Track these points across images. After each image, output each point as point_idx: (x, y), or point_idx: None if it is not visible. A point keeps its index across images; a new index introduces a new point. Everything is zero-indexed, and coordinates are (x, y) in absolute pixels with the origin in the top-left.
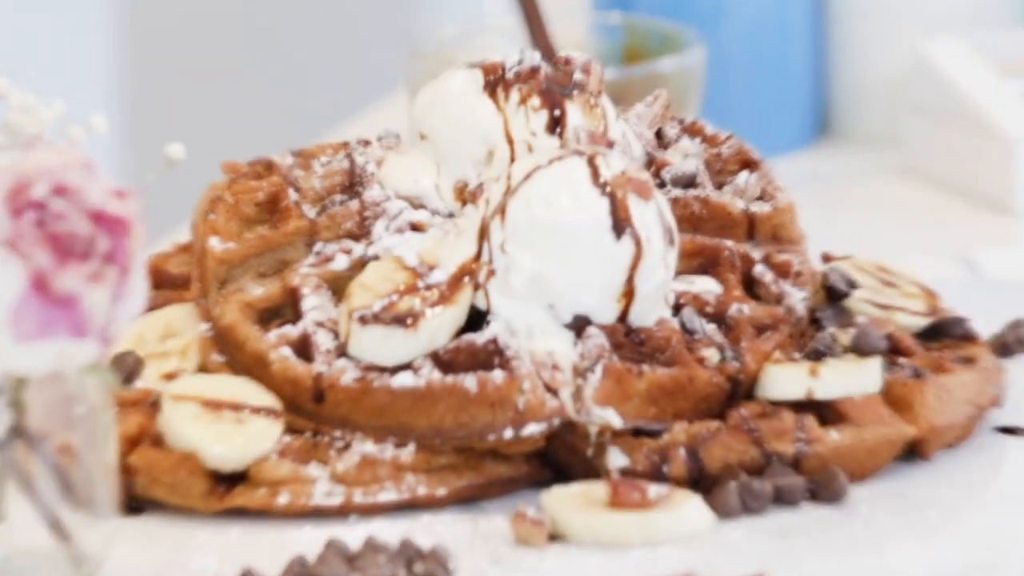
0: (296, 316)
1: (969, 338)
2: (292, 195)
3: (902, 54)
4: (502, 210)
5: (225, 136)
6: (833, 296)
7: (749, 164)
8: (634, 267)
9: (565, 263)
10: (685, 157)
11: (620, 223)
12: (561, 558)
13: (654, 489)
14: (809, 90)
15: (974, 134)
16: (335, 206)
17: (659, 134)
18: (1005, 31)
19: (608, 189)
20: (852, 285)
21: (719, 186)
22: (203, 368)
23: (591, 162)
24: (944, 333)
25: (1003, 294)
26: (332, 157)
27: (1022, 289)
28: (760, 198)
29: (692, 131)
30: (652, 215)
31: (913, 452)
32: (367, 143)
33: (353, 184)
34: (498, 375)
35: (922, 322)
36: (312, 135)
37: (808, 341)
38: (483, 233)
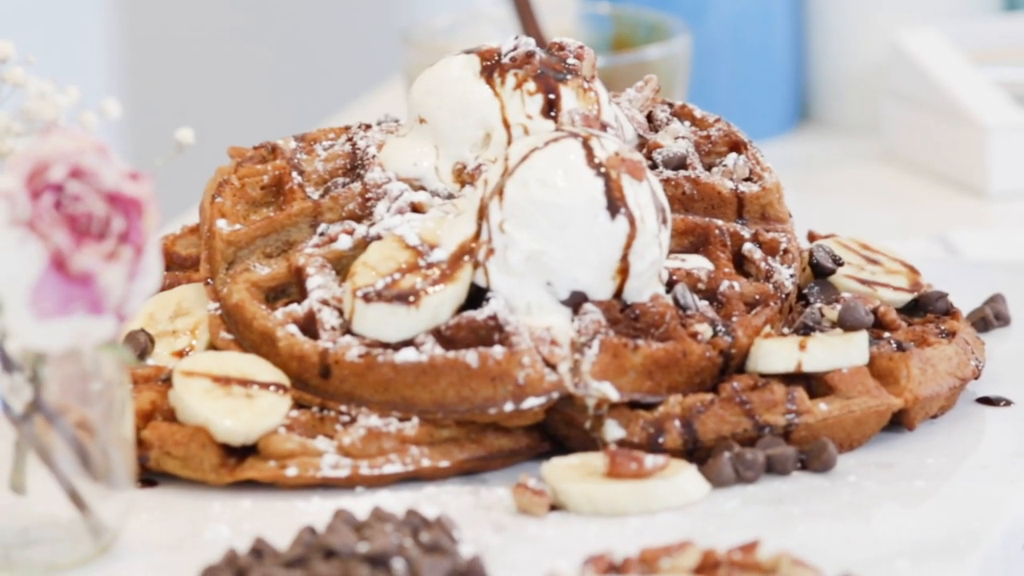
0: (302, 295)
1: (950, 312)
2: (296, 178)
3: (879, 44)
4: (500, 190)
5: (229, 122)
6: (819, 272)
7: (737, 146)
8: (628, 245)
9: (562, 241)
10: (676, 139)
11: (614, 203)
12: (562, 527)
13: (650, 459)
14: (790, 78)
15: (950, 121)
16: (338, 188)
17: (650, 117)
18: (976, 21)
19: (602, 170)
20: (837, 262)
21: (708, 167)
22: (212, 346)
23: (585, 144)
24: (926, 308)
25: (978, 272)
26: (334, 141)
27: (996, 268)
28: (748, 179)
29: (681, 114)
30: (645, 195)
31: (898, 423)
32: (368, 127)
33: (355, 167)
34: (498, 350)
35: (905, 297)
36: (313, 120)
37: (796, 316)
38: (482, 213)
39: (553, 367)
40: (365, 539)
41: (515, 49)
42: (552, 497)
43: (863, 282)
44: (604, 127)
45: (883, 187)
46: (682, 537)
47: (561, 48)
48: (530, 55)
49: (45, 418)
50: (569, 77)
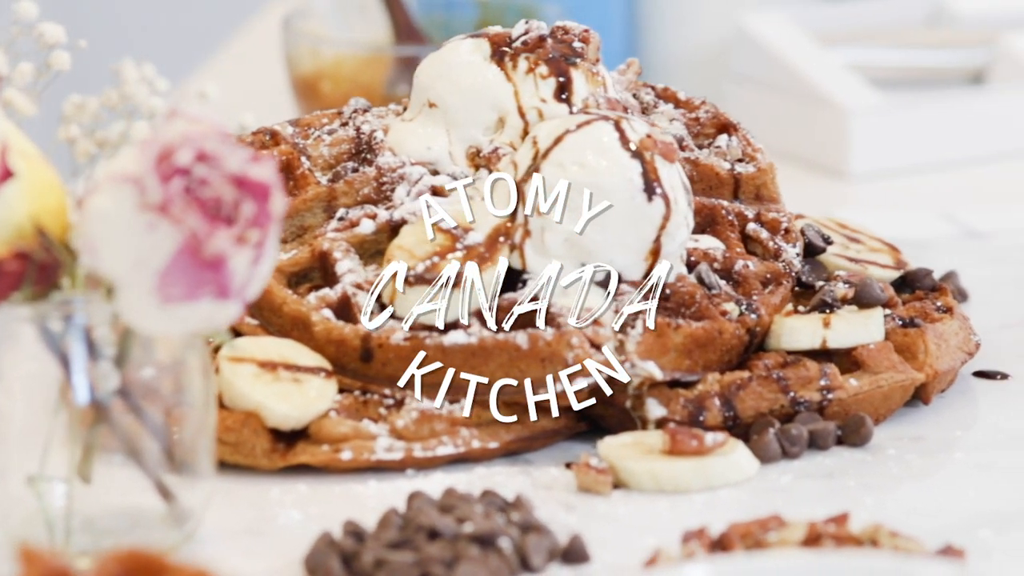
0: (326, 279)
1: (936, 289)
2: (305, 163)
3: (716, 25)
4: (534, 173)
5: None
6: (810, 251)
7: (726, 127)
8: (663, 227)
9: (600, 223)
10: (671, 121)
11: (651, 184)
12: (630, 505)
13: (711, 436)
14: (625, 58)
15: (804, 103)
16: (348, 173)
17: (635, 99)
18: (818, 5)
19: (637, 151)
20: (827, 240)
21: (699, 149)
22: (235, 331)
23: (617, 126)
24: (913, 285)
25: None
26: (329, 125)
27: (904, 244)
28: (741, 159)
29: (665, 97)
30: (675, 176)
31: (913, 397)
32: (366, 111)
33: (360, 151)
34: (548, 331)
35: (892, 275)
36: (194, 59)
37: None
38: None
39: (598, 347)
40: (462, 519)
41: (526, 33)
42: (613, 475)
43: (852, 260)
44: (625, 109)
45: None
46: (748, 511)
47: (566, 32)
48: (542, 39)
49: (130, 406)
50: (578, 61)
